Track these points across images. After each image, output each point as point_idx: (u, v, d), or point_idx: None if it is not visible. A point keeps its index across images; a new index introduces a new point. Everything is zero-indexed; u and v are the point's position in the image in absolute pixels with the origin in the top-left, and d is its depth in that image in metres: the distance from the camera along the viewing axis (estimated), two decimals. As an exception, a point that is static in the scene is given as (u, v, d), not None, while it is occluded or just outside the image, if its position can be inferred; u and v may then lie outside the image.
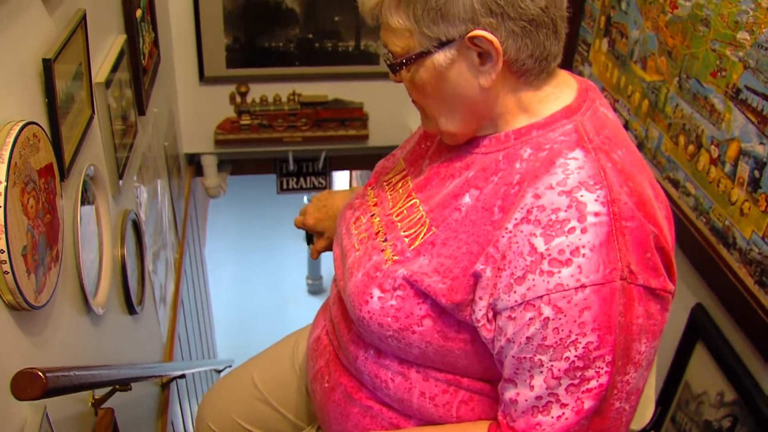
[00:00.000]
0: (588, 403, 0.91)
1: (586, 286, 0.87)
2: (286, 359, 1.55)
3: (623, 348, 0.90)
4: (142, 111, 2.26)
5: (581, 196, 0.89)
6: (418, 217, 1.06)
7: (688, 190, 1.46)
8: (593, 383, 0.91)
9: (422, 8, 0.92)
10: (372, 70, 3.40)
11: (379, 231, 1.11)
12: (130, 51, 2.11)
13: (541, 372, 0.92)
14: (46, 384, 1.05)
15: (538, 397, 0.93)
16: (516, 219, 0.93)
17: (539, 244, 0.89)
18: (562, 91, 1.00)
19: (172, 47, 3.11)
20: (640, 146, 1.63)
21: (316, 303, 7.58)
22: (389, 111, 3.54)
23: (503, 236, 0.93)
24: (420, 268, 1.00)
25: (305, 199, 7.54)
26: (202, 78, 3.25)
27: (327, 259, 7.80)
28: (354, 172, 6.06)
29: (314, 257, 1.53)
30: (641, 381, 0.96)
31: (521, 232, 0.92)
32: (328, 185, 4.23)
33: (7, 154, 1.11)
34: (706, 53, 1.37)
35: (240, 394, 1.55)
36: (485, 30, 0.91)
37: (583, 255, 0.87)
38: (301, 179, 4.12)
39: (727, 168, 1.34)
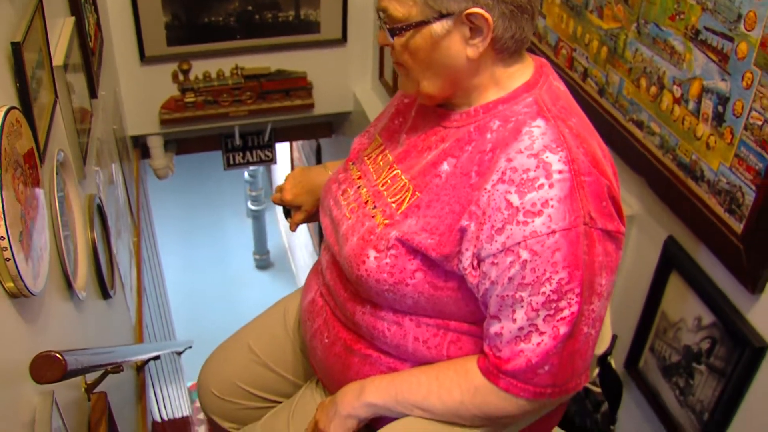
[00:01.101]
0: (563, 329, 1.07)
1: (555, 232, 1.03)
2: (278, 324, 1.66)
3: (588, 282, 1.06)
4: (94, 94, 2.22)
5: (546, 157, 1.04)
6: (401, 185, 1.20)
7: (653, 130, 1.53)
8: (566, 312, 1.06)
9: None
10: (313, 38, 3.39)
11: (367, 200, 1.24)
12: (79, 33, 2.06)
13: (522, 306, 1.07)
14: (66, 366, 1.05)
15: (521, 328, 1.08)
16: (493, 180, 1.07)
17: (514, 199, 1.04)
18: (525, 68, 1.14)
19: (110, 28, 3.03)
20: (602, 92, 1.69)
21: (265, 278, 7.57)
22: (332, 78, 3.55)
23: (483, 196, 1.07)
24: (409, 228, 1.14)
25: (246, 174, 7.48)
26: (143, 58, 3.19)
27: (273, 234, 7.78)
28: (294, 144, 6.04)
29: (293, 229, 1.64)
30: (603, 310, 1.12)
31: (498, 191, 1.06)
32: (273, 157, 4.22)
33: (-4, 140, 1.09)
34: (663, -3, 1.43)
35: (239, 360, 1.64)
36: (482, 8, 1.03)
37: (552, 206, 1.02)
38: (247, 153, 4.09)
39: (691, 105, 1.41)
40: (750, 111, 1.27)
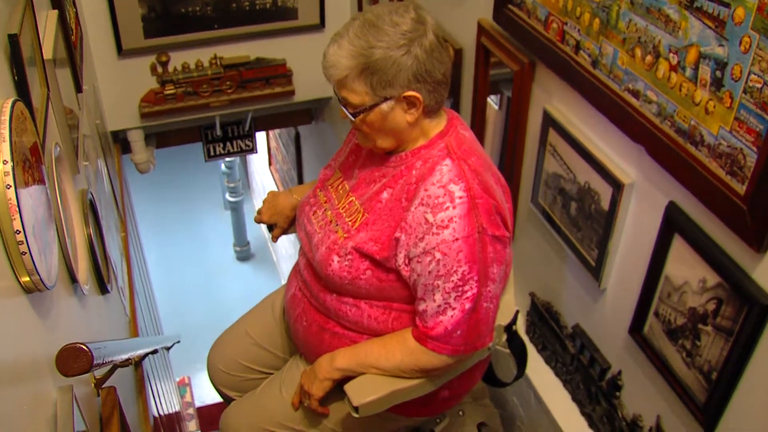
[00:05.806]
0: (467, 305, 1.51)
1: (458, 239, 1.46)
2: (268, 313, 2.10)
3: (483, 271, 1.50)
4: (79, 88, 2.19)
5: (451, 187, 1.48)
6: (355, 209, 1.64)
7: (650, 98, 1.55)
8: (469, 293, 1.50)
9: (377, 80, 1.45)
10: (291, 25, 3.39)
11: (331, 220, 1.68)
12: (63, 27, 2.04)
13: (439, 291, 1.51)
14: (92, 358, 1.05)
15: (439, 306, 1.52)
16: (415, 204, 1.51)
17: (430, 218, 1.48)
18: (441, 120, 1.59)
19: (86, 22, 2.99)
20: (595, 63, 1.70)
21: (247, 269, 7.55)
22: (312, 64, 3.51)
23: (409, 215, 1.52)
24: (361, 240, 1.57)
25: (222, 166, 7.43)
26: (120, 51, 3.16)
27: (252, 225, 7.74)
28: (271, 133, 6.01)
29: (274, 241, 2.12)
30: (498, 290, 1.57)
31: (419, 211, 1.50)
32: (254, 147, 4.20)
33: (6, 132, 1.08)
34: (657, -34, 1.45)
35: (239, 342, 2.09)
36: (414, 91, 1.47)
37: (455, 221, 1.46)
38: (228, 144, 4.07)
39: (688, 72, 1.43)
40: (749, 74, 1.29)
